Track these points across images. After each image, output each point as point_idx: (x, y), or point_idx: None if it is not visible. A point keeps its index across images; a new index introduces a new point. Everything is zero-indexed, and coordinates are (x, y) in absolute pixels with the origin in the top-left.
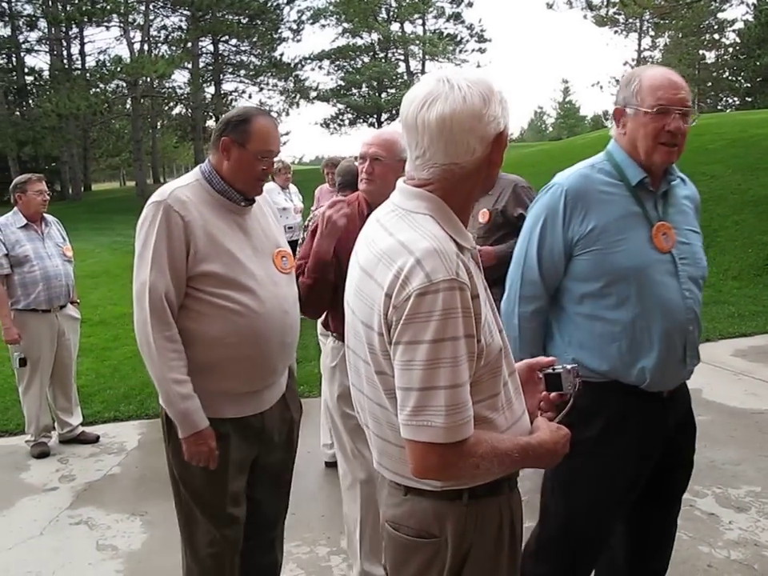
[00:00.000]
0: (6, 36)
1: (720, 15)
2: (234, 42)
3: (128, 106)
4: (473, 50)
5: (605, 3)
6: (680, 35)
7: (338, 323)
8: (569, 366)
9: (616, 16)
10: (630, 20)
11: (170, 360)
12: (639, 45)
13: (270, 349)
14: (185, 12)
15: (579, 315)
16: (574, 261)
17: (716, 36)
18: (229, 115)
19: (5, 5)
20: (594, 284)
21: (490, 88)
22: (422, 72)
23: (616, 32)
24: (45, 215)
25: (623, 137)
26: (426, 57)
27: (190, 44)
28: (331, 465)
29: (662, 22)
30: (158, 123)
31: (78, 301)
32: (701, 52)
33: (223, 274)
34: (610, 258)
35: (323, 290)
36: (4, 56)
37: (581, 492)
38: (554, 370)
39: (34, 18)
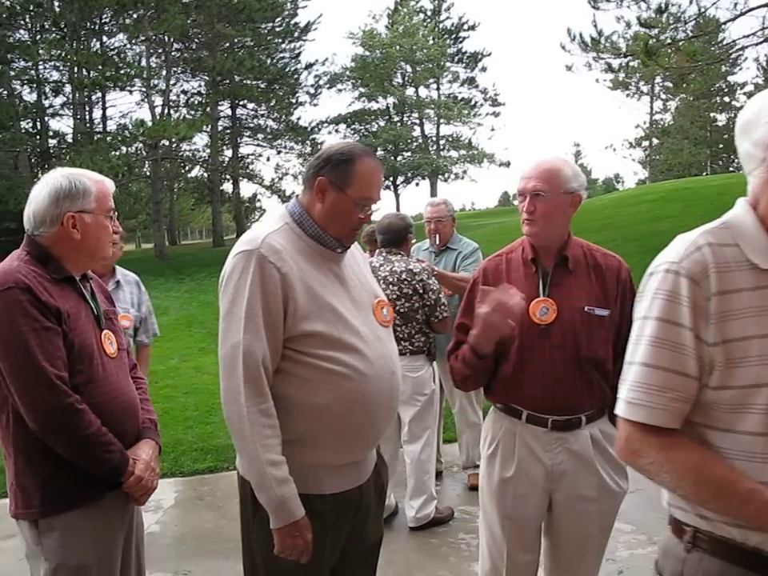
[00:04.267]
0: (31, 102)
1: (730, 78)
2: (251, 106)
3: (145, 169)
4: (486, 114)
5: (624, 65)
6: (691, 98)
7: (504, 391)
8: None
9: (628, 80)
10: (642, 84)
11: (265, 438)
12: (651, 108)
13: (378, 415)
14: (205, 77)
15: None
16: None
17: (726, 99)
18: (330, 151)
19: (32, 72)
20: None
21: None
22: (437, 135)
23: (628, 95)
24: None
25: None
26: (441, 120)
27: (209, 108)
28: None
29: (682, 85)
30: (176, 186)
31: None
32: (712, 114)
33: (327, 333)
34: None
35: (480, 376)
36: (29, 120)
37: None
38: None
39: (59, 84)
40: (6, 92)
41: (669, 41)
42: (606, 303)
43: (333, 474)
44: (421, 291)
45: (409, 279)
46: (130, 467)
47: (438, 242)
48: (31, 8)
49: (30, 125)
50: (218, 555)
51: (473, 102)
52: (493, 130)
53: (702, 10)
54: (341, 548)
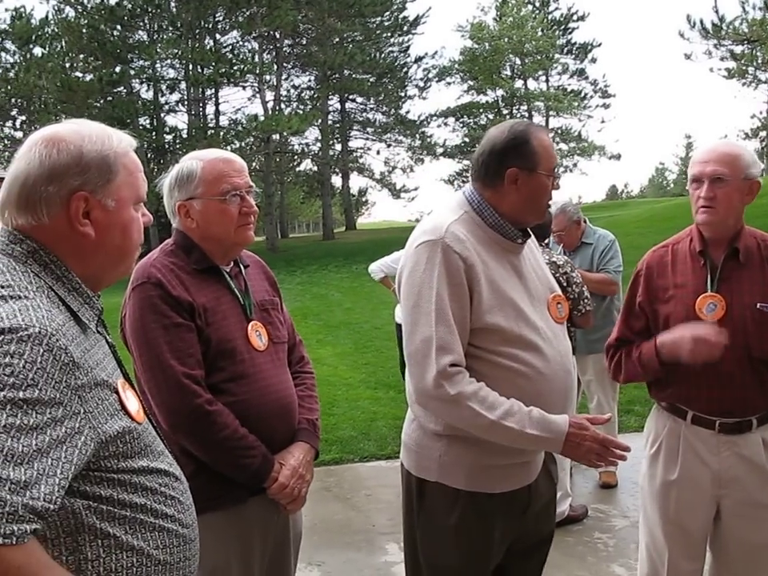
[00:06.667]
0: (149, 99)
1: None
2: (360, 99)
3: (255, 163)
4: (596, 106)
5: (748, 51)
6: None
7: (669, 390)
8: None
9: (744, 67)
10: (760, 71)
11: (481, 408)
12: None
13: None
14: (315, 71)
15: None
16: None
17: None
18: (501, 141)
19: (150, 70)
20: None
21: None
22: (546, 127)
23: (744, 84)
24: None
25: None
26: (550, 112)
27: (319, 102)
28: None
29: None
30: (286, 179)
31: None
32: None
33: (509, 329)
34: None
35: (648, 378)
36: (147, 117)
37: None
38: None
39: (175, 81)
40: (125, 90)
41: None
42: None
43: (503, 473)
44: (564, 284)
45: (553, 272)
46: (274, 473)
47: (564, 252)
48: (149, 9)
49: (148, 121)
50: (349, 547)
51: (582, 94)
52: (603, 122)
53: None
54: (507, 546)
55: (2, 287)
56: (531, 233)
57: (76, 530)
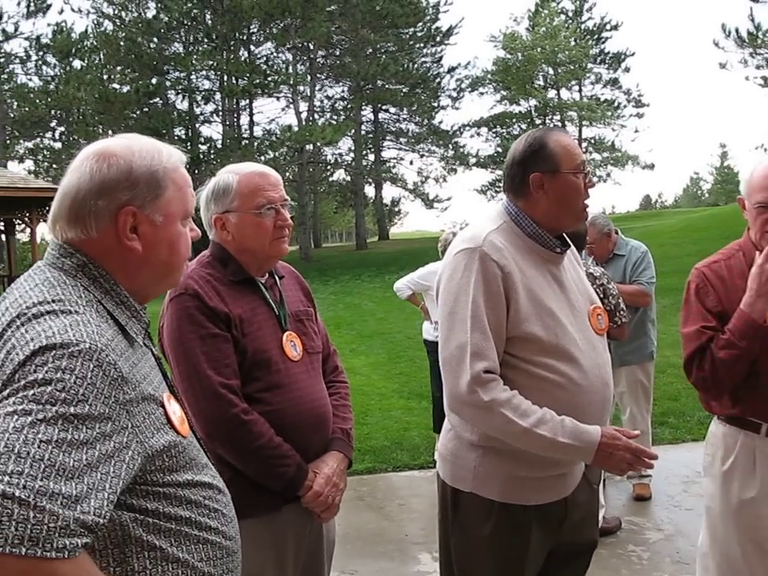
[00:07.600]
0: (184, 110)
1: None
2: (393, 110)
3: (288, 174)
4: (630, 115)
5: None
6: None
7: (738, 403)
8: None
9: None
10: None
11: (514, 415)
12: None
13: None
14: (348, 82)
15: None
16: None
17: None
18: (520, 151)
19: (185, 82)
20: None
21: None
22: (580, 137)
23: None
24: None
25: None
26: (584, 122)
27: (352, 113)
28: None
29: None
30: (319, 189)
31: None
32: None
33: (546, 339)
34: None
35: (747, 362)
36: (182, 128)
37: None
38: None
39: (210, 92)
40: (161, 101)
41: None
42: None
43: (538, 485)
44: (601, 296)
45: (590, 283)
46: (308, 481)
47: (595, 263)
48: (185, 22)
49: (183, 132)
50: (382, 556)
51: (616, 104)
52: (636, 131)
53: None
54: (543, 558)
55: (53, 301)
56: (570, 243)
57: (123, 541)
